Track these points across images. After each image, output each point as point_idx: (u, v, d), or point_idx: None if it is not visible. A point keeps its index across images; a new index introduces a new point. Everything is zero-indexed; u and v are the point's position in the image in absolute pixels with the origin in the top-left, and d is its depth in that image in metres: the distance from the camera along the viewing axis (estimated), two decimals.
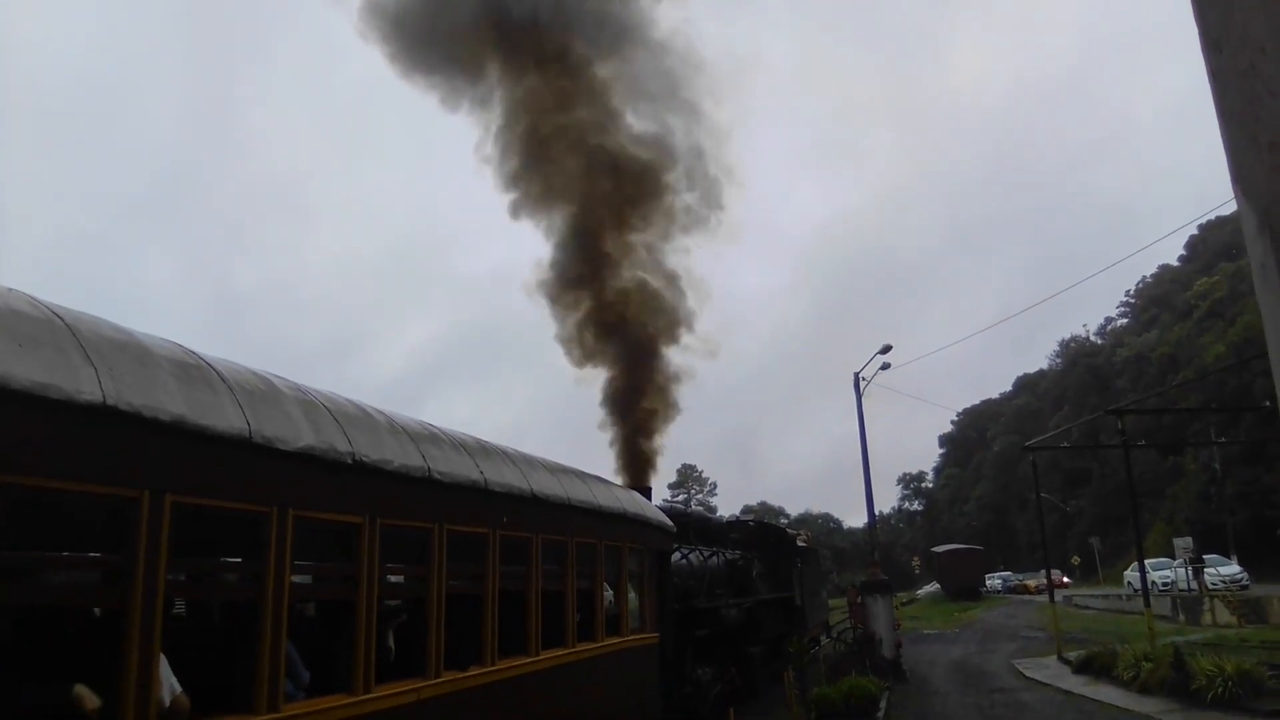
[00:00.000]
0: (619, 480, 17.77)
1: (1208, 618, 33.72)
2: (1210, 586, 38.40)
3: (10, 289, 4.22)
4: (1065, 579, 64.25)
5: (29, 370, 3.82)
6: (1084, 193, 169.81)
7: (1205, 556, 42.06)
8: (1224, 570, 41.54)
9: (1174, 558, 43.57)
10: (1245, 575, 42.29)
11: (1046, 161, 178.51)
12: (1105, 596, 48.63)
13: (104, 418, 4.15)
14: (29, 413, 3.82)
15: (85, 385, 4.06)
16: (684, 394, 21.25)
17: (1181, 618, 35.79)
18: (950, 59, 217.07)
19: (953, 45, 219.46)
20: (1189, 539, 43.17)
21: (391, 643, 6.95)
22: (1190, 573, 40.02)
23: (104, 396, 4.13)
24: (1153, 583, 33.32)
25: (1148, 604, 24.45)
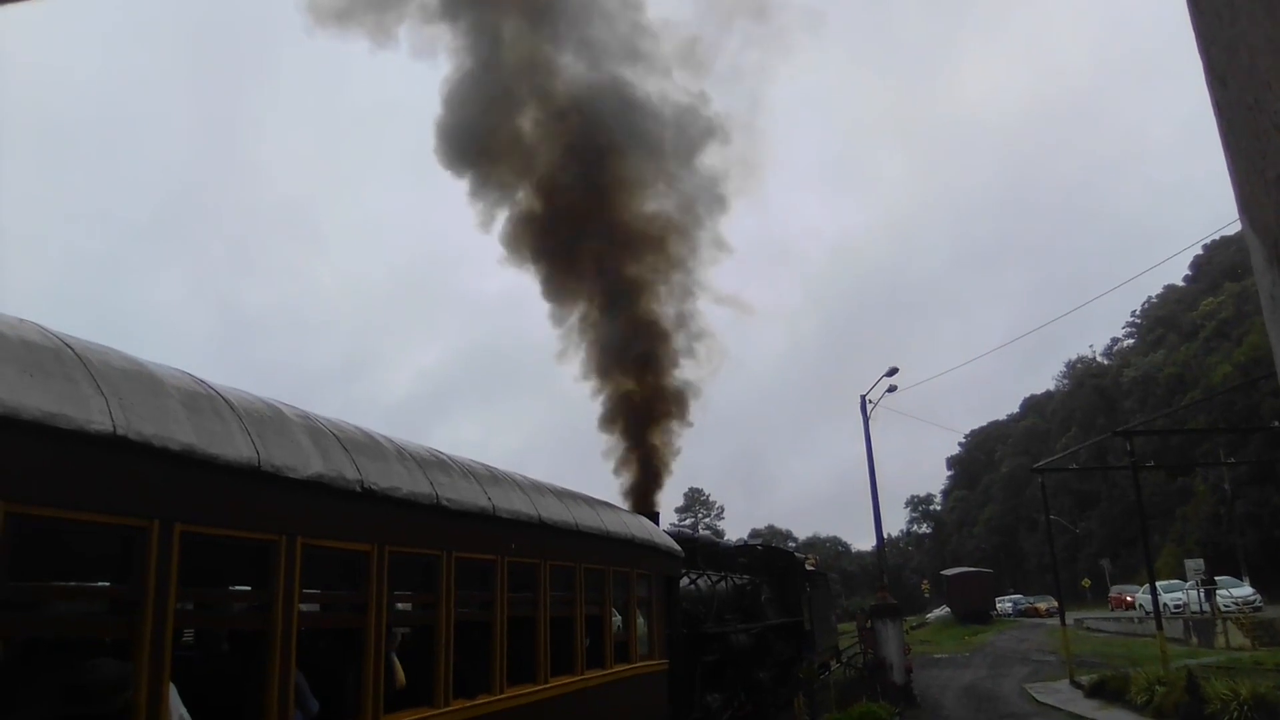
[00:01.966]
0: (625, 504, 17.74)
1: (1221, 640, 33.42)
2: (1223, 609, 38.09)
3: (20, 319, 4.25)
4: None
5: (39, 400, 3.84)
6: (1094, 212, 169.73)
7: (1217, 578, 41.73)
8: (1236, 592, 41.17)
9: (1185, 579, 43.21)
10: (1258, 597, 41.93)
11: (1056, 181, 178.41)
12: (1117, 619, 48.25)
13: (114, 447, 4.16)
14: (39, 443, 3.84)
15: (96, 415, 4.08)
16: (692, 416, 21.28)
17: (1194, 640, 35.48)
18: (961, 79, 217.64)
19: (964, 65, 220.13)
20: (1200, 560, 42.80)
21: (399, 670, 6.85)
22: (1202, 595, 39.69)
23: (114, 426, 4.14)
24: (1164, 605, 33.00)
25: (1160, 627, 24.24)
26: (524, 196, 20.38)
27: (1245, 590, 42.34)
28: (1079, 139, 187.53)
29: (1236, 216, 1.19)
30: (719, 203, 22.34)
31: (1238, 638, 32.44)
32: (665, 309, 21.44)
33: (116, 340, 4.76)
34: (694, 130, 21.75)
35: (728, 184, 22.53)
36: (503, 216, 20.44)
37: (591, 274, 20.62)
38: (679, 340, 21.50)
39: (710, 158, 22.09)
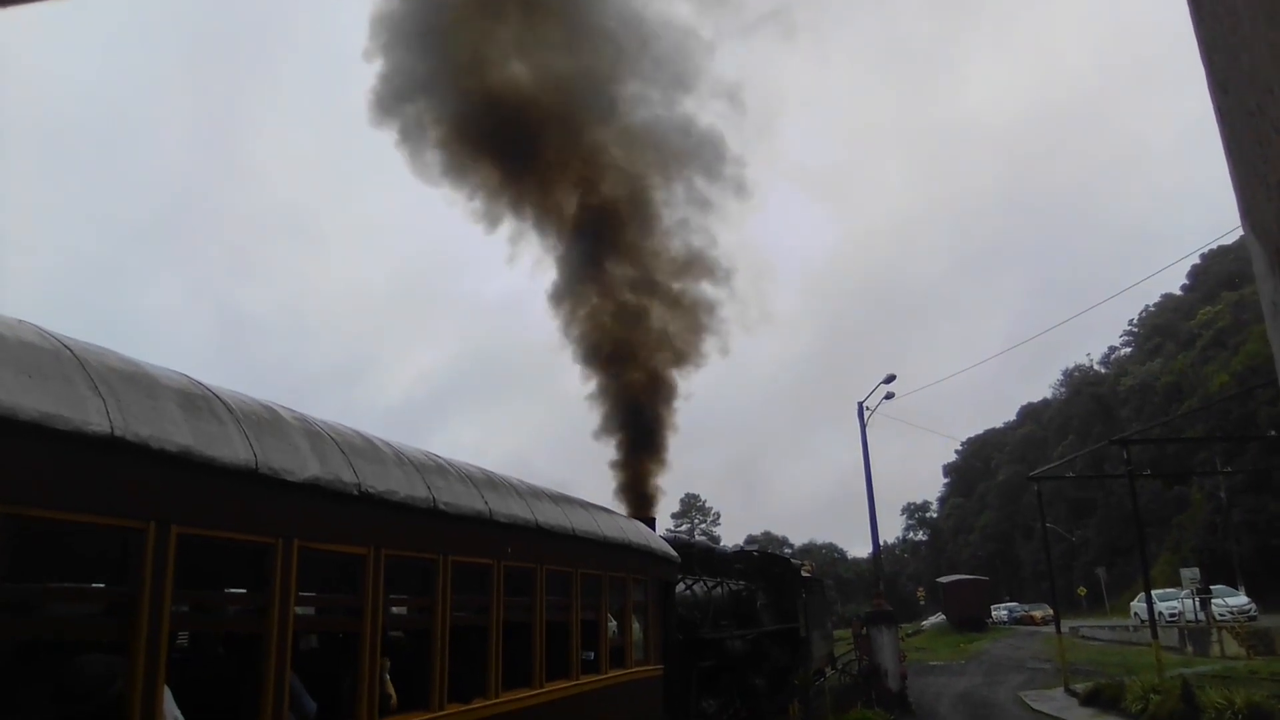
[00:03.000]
0: (622, 508, 17.73)
1: (1216, 649, 33.45)
2: (1218, 617, 38.09)
3: (19, 320, 4.24)
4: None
5: (37, 401, 3.83)
6: (1094, 217, 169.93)
7: (1212, 587, 41.73)
8: (1231, 601, 41.20)
9: (1181, 588, 43.22)
10: (1253, 606, 41.96)
11: (1057, 186, 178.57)
12: (1112, 628, 48.26)
13: (112, 449, 4.15)
14: (37, 444, 3.83)
15: (93, 416, 4.07)
16: (689, 421, 21.36)
17: (1189, 649, 35.50)
18: (964, 83, 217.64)
19: (966, 69, 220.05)
20: (1196, 569, 42.85)
21: (391, 689, 6.74)
22: (1198, 604, 39.70)
23: (112, 428, 4.13)
24: (1160, 613, 33.00)
25: (1155, 635, 24.26)
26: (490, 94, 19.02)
27: (1240, 599, 42.36)
28: (1080, 144, 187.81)
29: (1235, 226, 1.20)
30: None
31: (1233, 647, 32.46)
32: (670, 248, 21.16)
33: (115, 342, 4.76)
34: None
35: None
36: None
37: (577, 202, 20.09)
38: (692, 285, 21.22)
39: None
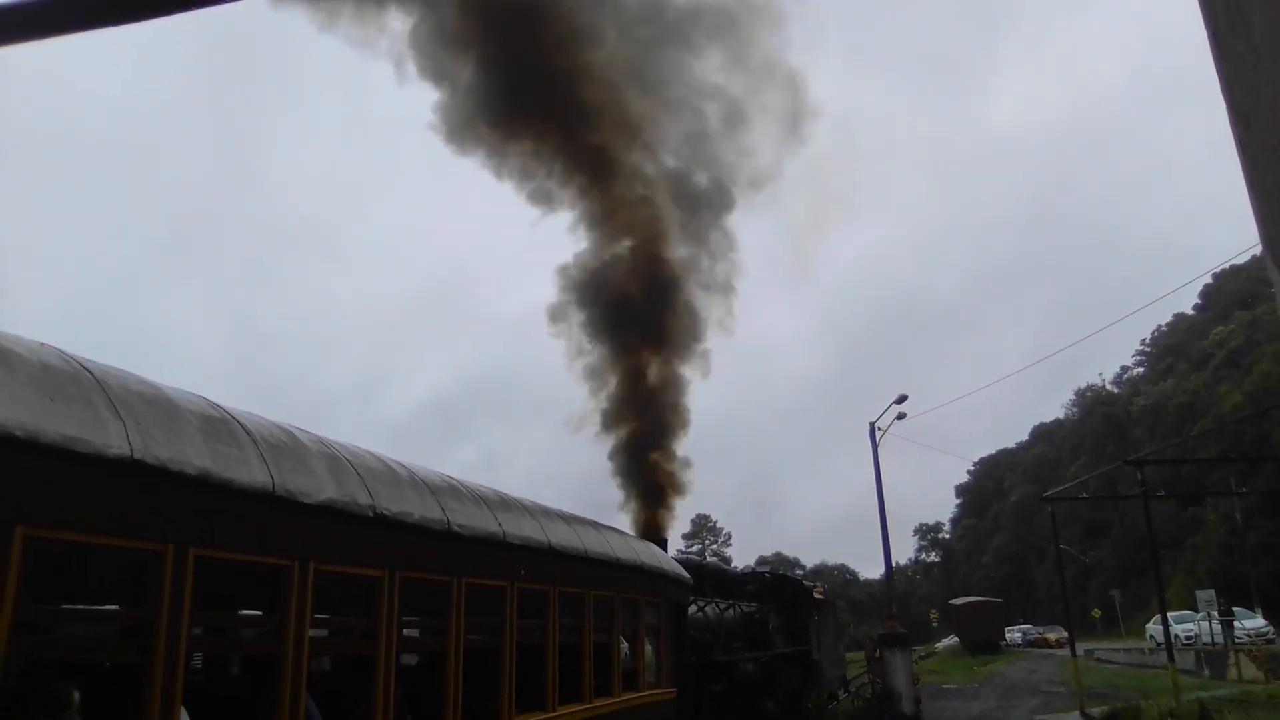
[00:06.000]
0: (633, 530, 17.70)
1: (1233, 672, 33.06)
2: (1234, 640, 37.67)
3: (41, 343, 4.29)
4: None
5: (59, 424, 3.87)
6: (1119, 231, 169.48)
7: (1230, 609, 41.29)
8: (1248, 623, 40.73)
9: (1196, 610, 42.80)
10: (1271, 629, 41.46)
11: (1079, 202, 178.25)
12: (1128, 650, 47.78)
13: (131, 472, 4.19)
14: (58, 466, 3.87)
15: (114, 439, 4.11)
16: (700, 441, 21.32)
17: (1206, 672, 35.10)
18: (989, 98, 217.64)
19: (992, 85, 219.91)
20: (1211, 591, 42.41)
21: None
22: (1217, 626, 39.25)
23: (132, 450, 4.17)
24: (1176, 636, 32.62)
25: (1171, 658, 24.01)
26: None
27: (1258, 622, 41.87)
28: (1103, 159, 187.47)
29: (1248, 246, 1.22)
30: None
31: (1250, 670, 32.08)
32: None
33: (132, 354, 4.82)
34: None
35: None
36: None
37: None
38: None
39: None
